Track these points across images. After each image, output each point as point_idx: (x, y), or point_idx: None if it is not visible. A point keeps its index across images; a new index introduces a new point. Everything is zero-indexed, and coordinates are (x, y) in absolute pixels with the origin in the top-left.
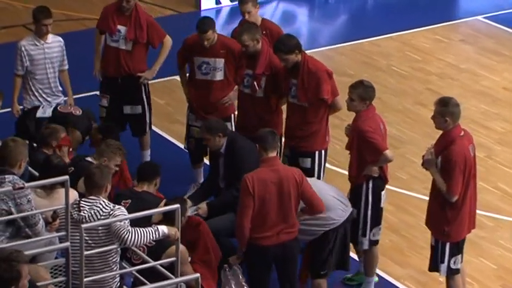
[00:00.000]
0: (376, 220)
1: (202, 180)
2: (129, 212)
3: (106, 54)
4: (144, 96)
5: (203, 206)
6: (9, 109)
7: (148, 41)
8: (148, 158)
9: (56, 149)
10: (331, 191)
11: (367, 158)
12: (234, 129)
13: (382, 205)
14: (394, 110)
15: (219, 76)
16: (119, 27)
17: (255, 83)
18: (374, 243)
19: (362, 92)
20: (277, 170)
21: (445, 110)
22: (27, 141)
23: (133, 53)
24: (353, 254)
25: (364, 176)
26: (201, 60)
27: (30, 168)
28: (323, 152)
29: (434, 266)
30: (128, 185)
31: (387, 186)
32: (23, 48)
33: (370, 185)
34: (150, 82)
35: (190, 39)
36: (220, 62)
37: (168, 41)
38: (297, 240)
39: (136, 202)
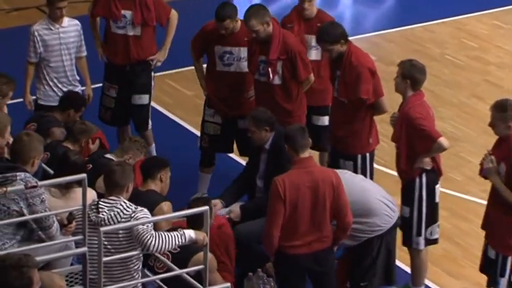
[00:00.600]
0: (432, 217)
1: (206, 190)
2: None
3: (112, 42)
4: (152, 86)
5: (236, 209)
6: (21, 99)
7: (156, 21)
8: (154, 154)
9: (89, 140)
10: (378, 193)
11: (419, 148)
12: None
13: (437, 200)
14: (448, 104)
15: (244, 67)
16: (123, 12)
17: (270, 69)
18: (431, 242)
19: (405, 69)
20: (312, 172)
21: (506, 116)
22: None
23: (142, 37)
24: (402, 265)
25: (417, 170)
26: (223, 50)
27: (43, 165)
28: (367, 155)
29: (492, 281)
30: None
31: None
32: (36, 33)
33: (424, 179)
34: (175, 71)
35: (209, 25)
36: (245, 51)
37: (174, 15)
38: (331, 249)
39: (139, 203)
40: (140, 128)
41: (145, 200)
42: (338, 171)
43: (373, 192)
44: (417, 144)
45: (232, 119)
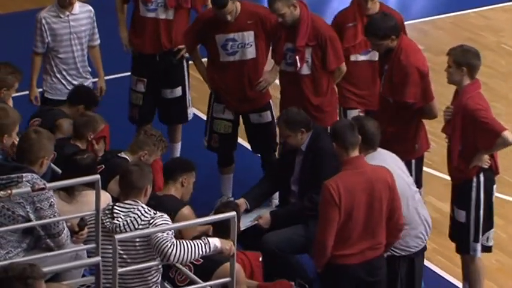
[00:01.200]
0: (490, 221)
1: (230, 194)
2: None
3: (140, 28)
4: (186, 76)
5: (266, 215)
6: (27, 92)
7: (191, 4)
8: (178, 153)
9: (93, 141)
10: (420, 207)
11: (479, 144)
12: (275, 120)
13: (493, 202)
14: (503, 99)
15: (251, 54)
16: None
17: (298, 57)
18: (487, 249)
19: (457, 56)
20: (365, 172)
21: None
22: None
23: (175, 21)
24: (454, 280)
25: (474, 169)
26: (225, 38)
27: (52, 165)
28: (413, 162)
29: None
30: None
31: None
32: (43, 21)
33: (482, 178)
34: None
35: (205, 14)
36: (249, 36)
37: None
38: (382, 257)
39: (156, 209)
40: (176, 121)
41: (163, 206)
42: (388, 155)
43: (417, 203)
44: (478, 140)
45: (244, 113)
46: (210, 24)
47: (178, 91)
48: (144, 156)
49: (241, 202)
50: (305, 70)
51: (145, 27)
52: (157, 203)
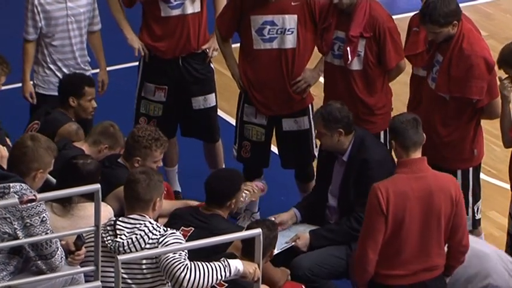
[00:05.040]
0: None
1: (256, 209)
2: None
3: (164, 31)
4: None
5: (305, 234)
6: (18, 84)
7: None
8: None
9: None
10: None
11: None
12: (313, 128)
13: None
14: None
15: (290, 42)
16: None
17: (349, 49)
18: None
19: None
20: (424, 178)
21: None
22: None
23: (202, 15)
24: None
25: None
26: (262, 20)
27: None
28: (470, 171)
29: None
30: None
31: None
32: (35, 2)
33: None
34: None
35: None
36: (291, 20)
37: None
38: (443, 279)
39: (203, 232)
40: (210, 139)
41: (216, 228)
42: None
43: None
44: None
45: (276, 118)
46: (245, 3)
47: (212, 98)
48: (138, 162)
49: (290, 214)
50: (355, 65)
51: (170, 29)
52: (205, 225)
